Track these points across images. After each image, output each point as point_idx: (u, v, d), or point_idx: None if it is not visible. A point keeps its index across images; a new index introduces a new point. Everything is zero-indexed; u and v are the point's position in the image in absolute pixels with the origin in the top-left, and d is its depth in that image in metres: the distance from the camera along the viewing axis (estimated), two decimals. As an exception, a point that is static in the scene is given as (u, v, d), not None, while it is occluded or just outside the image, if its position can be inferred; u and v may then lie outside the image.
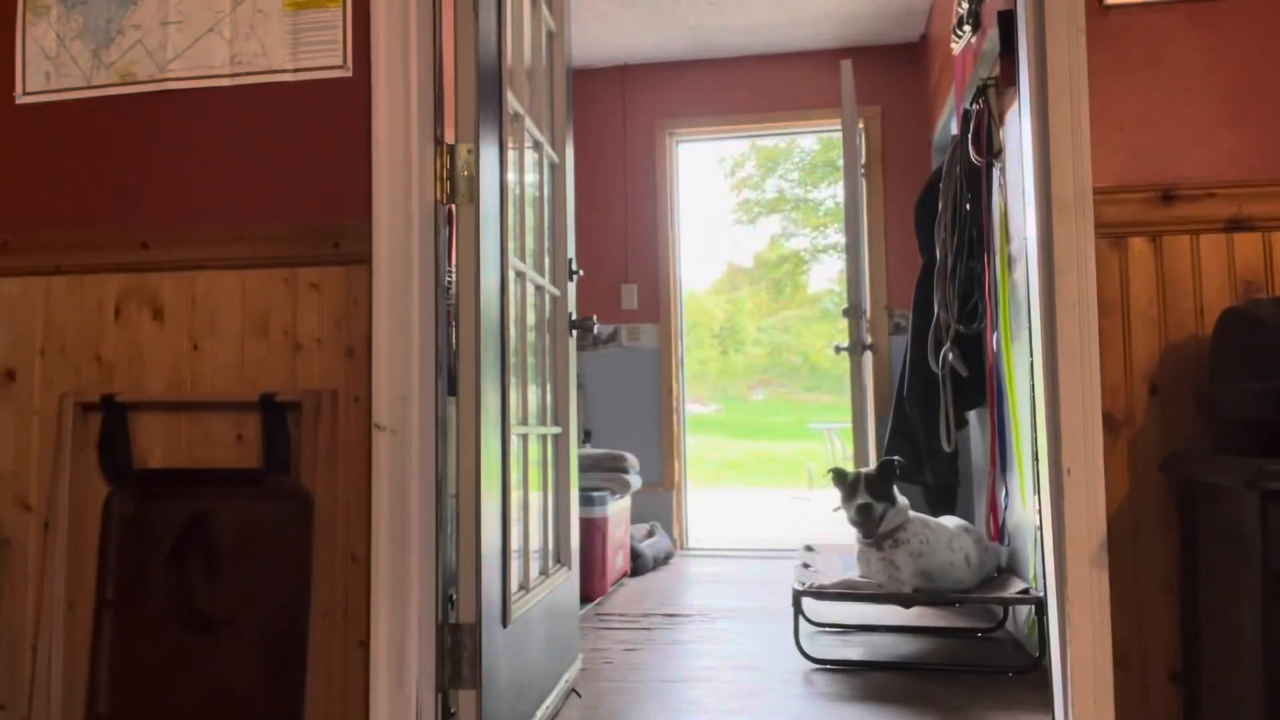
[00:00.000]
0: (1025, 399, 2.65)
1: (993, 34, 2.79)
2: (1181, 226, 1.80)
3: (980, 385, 3.36)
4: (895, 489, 2.90)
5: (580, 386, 5.14)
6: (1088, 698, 1.76)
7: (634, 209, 5.32)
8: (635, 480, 4.47)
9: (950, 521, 2.95)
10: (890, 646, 3.04)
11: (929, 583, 2.81)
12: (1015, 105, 2.64)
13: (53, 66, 2.08)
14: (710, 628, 3.34)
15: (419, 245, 1.92)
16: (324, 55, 1.98)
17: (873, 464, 3.04)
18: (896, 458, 3.01)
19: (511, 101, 2.21)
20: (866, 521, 2.83)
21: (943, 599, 2.82)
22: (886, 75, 5.06)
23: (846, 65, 3.91)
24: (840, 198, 9.49)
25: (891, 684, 2.64)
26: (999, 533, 3.21)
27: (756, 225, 18.38)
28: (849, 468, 2.99)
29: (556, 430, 2.62)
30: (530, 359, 2.44)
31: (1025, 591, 2.72)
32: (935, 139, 4.60)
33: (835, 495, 2.98)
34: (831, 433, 10.42)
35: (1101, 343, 1.80)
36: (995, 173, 3.05)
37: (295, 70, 1.99)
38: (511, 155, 2.22)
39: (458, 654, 1.91)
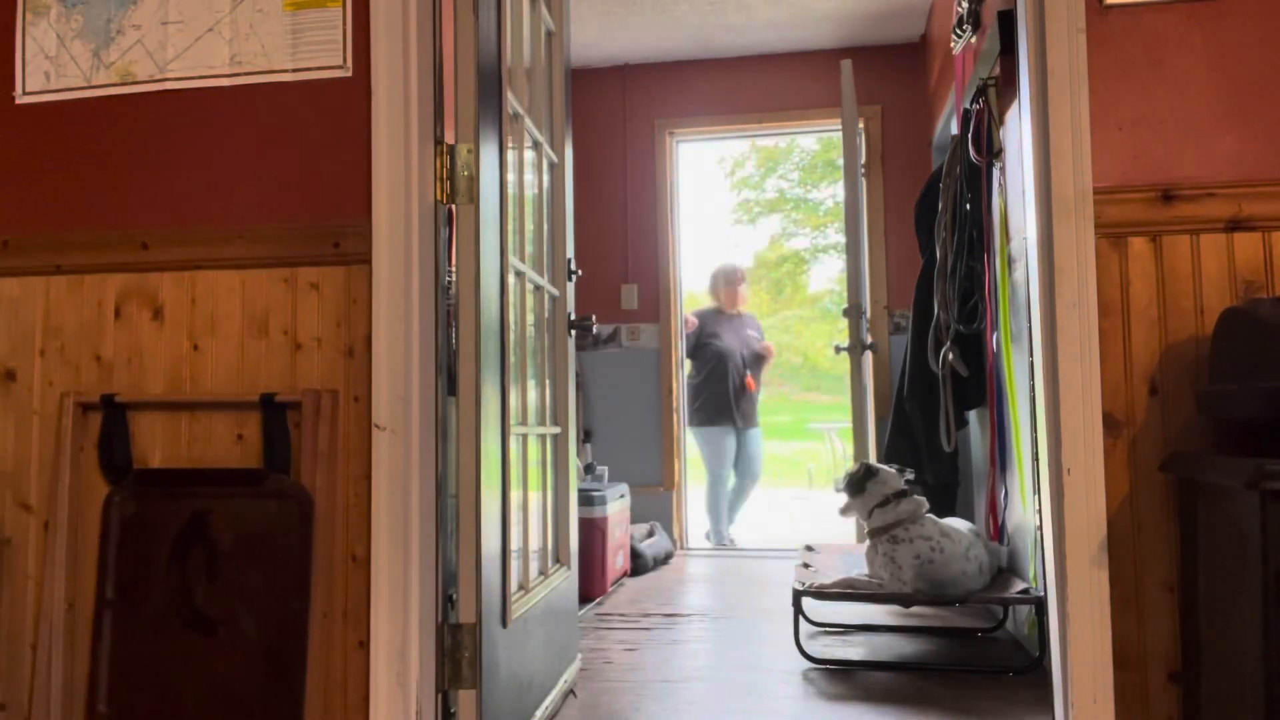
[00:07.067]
0: (1025, 399, 2.65)
1: (993, 34, 2.79)
2: (1181, 226, 1.80)
3: (980, 385, 3.36)
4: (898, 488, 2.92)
5: (580, 386, 5.14)
6: (1088, 698, 1.76)
7: (634, 209, 5.32)
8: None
9: (964, 526, 2.93)
10: (890, 646, 3.04)
11: (939, 590, 2.80)
12: (1015, 105, 2.64)
13: (53, 66, 2.08)
14: (710, 628, 3.34)
15: (419, 245, 1.92)
16: (324, 55, 1.98)
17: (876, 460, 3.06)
18: (893, 466, 3.03)
19: (511, 101, 2.21)
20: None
21: (943, 599, 2.82)
22: (886, 75, 5.06)
23: (846, 65, 3.92)
24: (840, 198, 9.49)
25: (891, 684, 2.64)
26: (999, 533, 3.21)
27: (756, 225, 18.37)
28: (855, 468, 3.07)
29: (556, 430, 2.62)
30: (530, 359, 2.44)
31: (1025, 591, 2.72)
32: (935, 139, 4.59)
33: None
34: (831, 433, 10.42)
35: (1101, 343, 1.80)
36: (995, 173, 3.05)
37: (295, 70, 1.99)
38: (511, 155, 2.22)
39: (458, 654, 1.91)
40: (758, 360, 5.34)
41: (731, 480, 5.42)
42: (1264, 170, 1.79)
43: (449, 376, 2.00)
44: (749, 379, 5.23)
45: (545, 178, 2.65)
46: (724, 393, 5.28)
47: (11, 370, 2.06)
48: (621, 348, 5.27)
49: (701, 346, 5.37)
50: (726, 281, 5.49)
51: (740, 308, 5.49)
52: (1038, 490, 2.21)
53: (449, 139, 1.99)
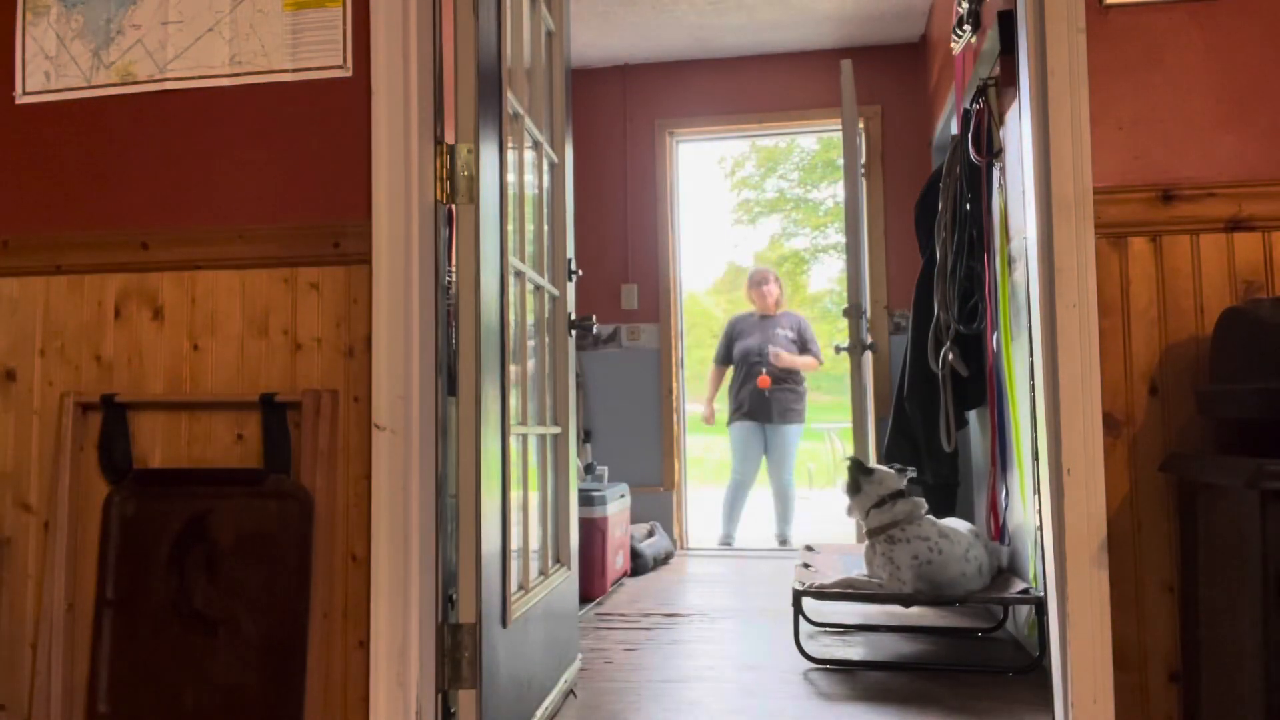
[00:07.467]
0: (1025, 399, 2.65)
1: (993, 34, 2.79)
2: (1181, 226, 1.80)
3: (980, 385, 3.36)
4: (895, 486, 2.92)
5: (580, 386, 5.14)
6: (1088, 698, 1.76)
7: (634, 209, 5.32)
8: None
9: (963, 526, 2.93)
10: (890, 646, 3.04)
11: (938, 590, 2.79)
12: (1015, 105, 2.64)
13: (53, 66, 2.08)
14: (710, 628, 3.34)
15: (419, 245, 1.92)
16: (324, 55, 1.98)
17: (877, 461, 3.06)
18: (893, 465, 3.03)
19: (511, 101, 2.21)
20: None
21: (943, 599, 2.82)
22: (886, 75, 5.06)
23: (846, 65, 3.91)
24: (840, 198, 9.49)
25: (891, 684, 2.64)
26: (999, 533, 3.21)
27: (756, 225, 18.35)
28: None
29: (556, 430, 2.62)
30: (530, 359, 2.44)
31: (1025, 591, 2.72)
32: (935, 139, 4.59)
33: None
34: (831, 433, 10.41)
35: (1101, 343, 1.80)
36: (995, 173, 3.05)
37: (295, 70, 1.99)
38: (511, 155, 2.22)
39: (458, 654, 1.91)
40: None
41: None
42: (1264, 170, 1.79)
43: (449, 376, 2.00)
44: (761, 376, 5.33)
45: (545, 178, 2.65)
46: (742, 391, 5.42)
47: (11, 370, 2.06)
48: (621, 348, 5.27)
49: (733, 349, 5.51)
50: (751, 284, 5.66)
51: (774, 309, 5.57)
52: (1038, 490, 2.21)
53: (449, 139, 1.99)
